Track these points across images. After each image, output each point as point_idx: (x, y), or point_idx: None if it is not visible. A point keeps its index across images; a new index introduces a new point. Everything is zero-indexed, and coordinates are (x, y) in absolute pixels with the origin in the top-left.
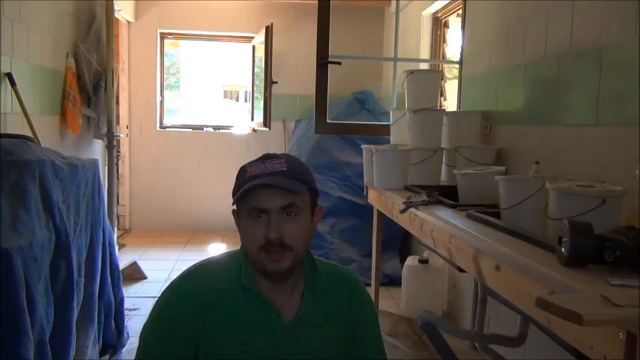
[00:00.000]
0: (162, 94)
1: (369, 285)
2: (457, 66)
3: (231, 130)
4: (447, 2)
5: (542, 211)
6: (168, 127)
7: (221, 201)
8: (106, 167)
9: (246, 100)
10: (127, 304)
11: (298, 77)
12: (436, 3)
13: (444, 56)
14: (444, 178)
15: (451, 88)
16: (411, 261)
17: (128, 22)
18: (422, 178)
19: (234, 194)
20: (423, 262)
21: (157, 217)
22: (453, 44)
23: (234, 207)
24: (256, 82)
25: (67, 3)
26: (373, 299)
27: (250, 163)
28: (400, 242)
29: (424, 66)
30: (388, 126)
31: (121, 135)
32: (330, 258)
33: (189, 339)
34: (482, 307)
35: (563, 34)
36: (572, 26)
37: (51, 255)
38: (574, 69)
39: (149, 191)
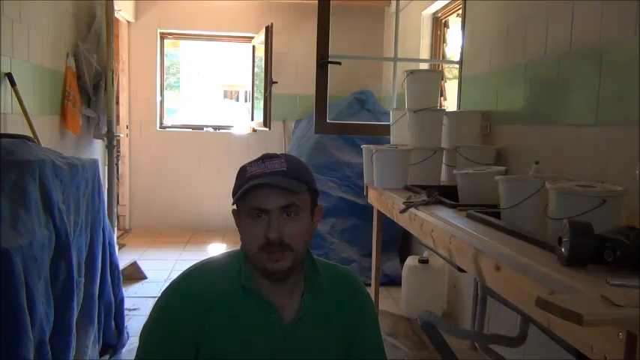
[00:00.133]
0: (162, 94)
1: (369, 285)
2: (457, 66)
3: (231, 130)
4: (447, 2)
5: (542, 211)
6: (168, 127)
7: (221, 201)
8: (106, 167)
9: (246, 100)
10: (127, 304)
11: (298, 77)
12: (436, 3)
13: (444, 56)
14: (444, 178)
15: (451, 88)
16: (411, 261)
17: (128, 22)
18: (422, 178)
19: (234, 194)
20: (423, 262)
21: (157, 217)
22: (453, 44)
23: (234, 207)
24: (256, 82)
25: (67, 3)
26: (373, 299)
27: (250, 162)
28: (400, 242)
29: (424, 66)
30: (388, 126)
31: (121, 135)
32: (330, 258)
33: (189, 339)
34: (482, 307)
35: (563, 34)
36: (572, 26)
37: (51, 255)
38: (574, 69)
39: (149, 191)
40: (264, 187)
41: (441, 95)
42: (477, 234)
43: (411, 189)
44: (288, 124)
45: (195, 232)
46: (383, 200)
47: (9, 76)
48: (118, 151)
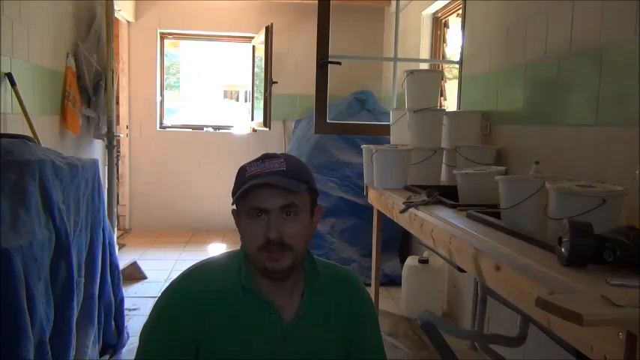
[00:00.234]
0: (162, 94)
1: (369, 285)
2: (457, 66)
3: (231, 130)
4: (447, 2)
5: (542, 211)
6: (168, 127)
7: (221, 201)
8: (106, 167)
9: (246, 100)
10: (127, 304)
11: (298, 77)
12: (436, 3)
13: (444, 56)
14: (444, 178)
15: (451, 88)
16: (411, 261)
17: (128, 22)
18: (422, 178)
19: (233, 194)
20: (423, 262)
21: (157, 217)
22: (453, 44)
23: (234, 207)
24: (256, 82)
25: (67, 3)
26: (373, 299)
27: (250, 162)
28: (400, 242)
29: (424, 66)
30: (388, 126)
31: (121, 135)
32: (330, 258)
33: (189, 339)
34: (482, 307)
35: (563, 34)
36: (572, 26)
37: (51, 255)
38: (574, 69)
39: (149, 191)
40: (264, 187)
41: (441, 95)
42: (477, 234)
43: (411, 189)
44: (288, 124)
45: (195, 232)
46: (383, 200)
47: (9, 76)
48: (118, 151)
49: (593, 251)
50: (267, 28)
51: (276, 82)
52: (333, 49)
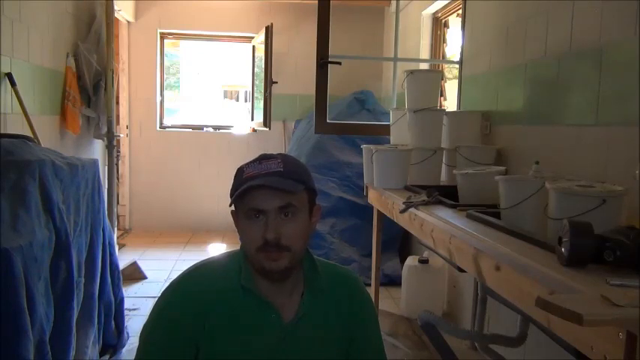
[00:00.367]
0: (162, 94)
1: (369, 285)
2: (457, 66)
3: (231, 130)
4: (447, 2)
5: (542, 211)
6: (168, 127)
7: (221, 201)
8: (106, 167)
9: (246, 100)
10: (127, 304)
11: (298, 77)
12: (436, 3)
13: (444, 56)
14: (444, 178)
15: (451, 88)
16: (411, 261)
17: (128, 22)
18: (422, 178)
19: (231, 195)
20: (423, 262)
21: (157, 217)
22: (453, 44)
23: (233, 207)
24: (256, 82)
25: (67, 3)
26: (373, 299)
27: (247, 163)
28: (400, 242)
29: (424, 66)
30: (388, 126)
31: (121, 135)
32: (330, 258)
33: (189, 339)
34: (483, 307)
35: (563, 34)
36: (572, 26)
37: (51, 255)
38: (574, 69)
39: (149, 191)
40: (261, 188)
41: (441, 95)
42: (477, 234)
43: (411, 189)
44: (288, 124)
45: (195, 232)
46: (383, 200)
47: (9, 76)
48: (118, 151)
49: (593, 251)
50: (267, 28)
51: (276, 82)
52: (333, 49)
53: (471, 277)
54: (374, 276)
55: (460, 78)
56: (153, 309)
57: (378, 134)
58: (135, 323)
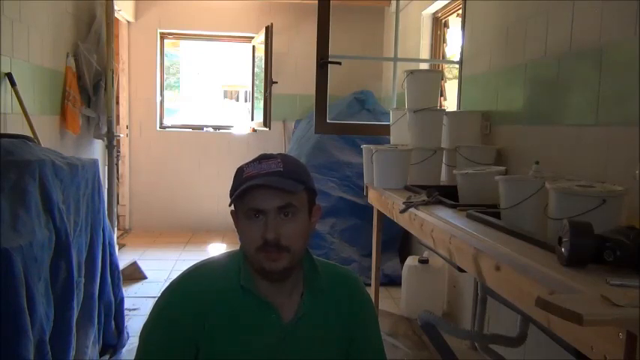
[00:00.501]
0: (162, 94)
1: (369, 285)
2: (457, 66)
3: (231, 130)
4: (447, 2)
5: (542, 211)
6: (168, 127)
7: (221, 201)
8: (106, 167)
9: (246, 100)
10: (127, 304)
11: (298, 77)
12: (436, 3)
13: (444, 56)
14: (444, 178)
15: (451, 88)
16: (411, 261)
17: (128, 22)
18: (422, 178)
19: (231, 195)
20: (423, 262)
21: (157, 217)
22: (453, 44)
23: (233, 207)
24: (256, 82)
25: (67, 3)
26: (373, 299)
27: (247, 163)
28: (400, 242)
29: (424, 66)
30: (388, 126)
31: (121, 135)
32: (330, 258)
33: (189, 339)
34: (482, 307)
35: (563, 34)
36: (572, 26)
37: (51, 255)
38: (574, 69)
39: (149, 191)
40: (261, 188)
41: (441, 95)
42: (477, 234)
43: (411, 189)
44: (288, 124)
45: (195, 232)
46: (383, 200)
47: (9, 76)
48: (118, 151)
49: (593, 251)
50: (267, 28)
51: (276, 82)
52: (333, 49)
53: (471, 277)
54: (374, 276)
55: (460, 78)
56: (153, 309)
57: (378, 134)
58: (135, 323)
